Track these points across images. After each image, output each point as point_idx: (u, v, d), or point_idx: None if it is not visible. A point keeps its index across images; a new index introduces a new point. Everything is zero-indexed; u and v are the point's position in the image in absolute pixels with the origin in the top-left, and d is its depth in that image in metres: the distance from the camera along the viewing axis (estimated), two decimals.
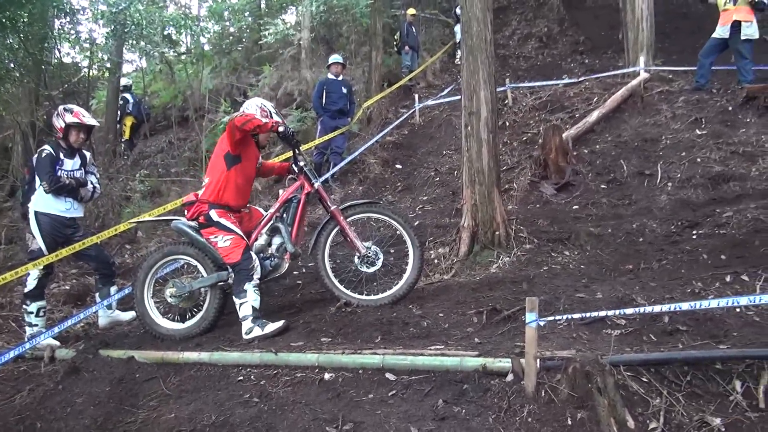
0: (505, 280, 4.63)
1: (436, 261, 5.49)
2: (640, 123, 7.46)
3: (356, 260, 4.51)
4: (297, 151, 4.64)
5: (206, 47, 15.79)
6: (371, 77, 11.48)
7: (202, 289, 4.46)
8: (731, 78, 8.19)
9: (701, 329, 3.31)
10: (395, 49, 13.78)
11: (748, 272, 4.04)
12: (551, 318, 3.09)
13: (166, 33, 12.09)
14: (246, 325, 4.11)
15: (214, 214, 4.31)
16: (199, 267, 4.47)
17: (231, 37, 16.06)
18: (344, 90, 9.14)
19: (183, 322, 4.48)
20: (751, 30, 7.77)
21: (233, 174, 4.37)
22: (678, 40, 12.83)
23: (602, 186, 6.38)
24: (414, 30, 13.62)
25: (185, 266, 4.65)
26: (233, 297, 4.25)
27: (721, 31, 7.97)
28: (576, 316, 3.13)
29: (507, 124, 8.65)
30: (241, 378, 3.51)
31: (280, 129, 4.30)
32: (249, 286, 4.19)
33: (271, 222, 4.51)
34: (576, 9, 15.97)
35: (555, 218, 5.95)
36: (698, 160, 6.19)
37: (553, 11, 15.69)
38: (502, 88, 9.28)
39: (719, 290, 3.82)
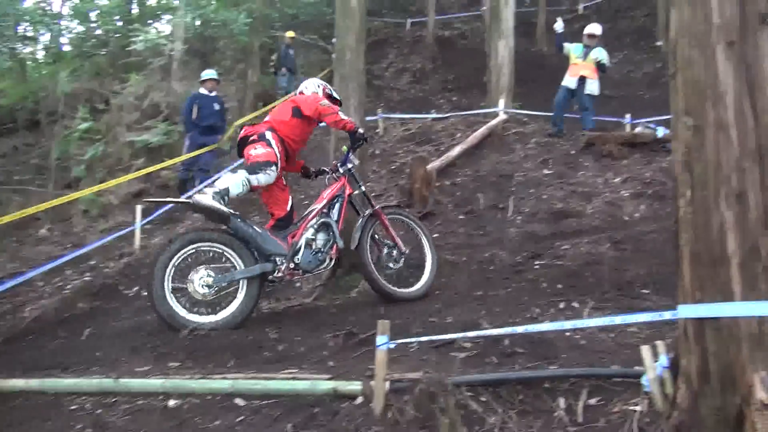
0: (365, 303, 4.74)
1: (298, 284, 5.47)
2: (497, 160, 8.06)
3: (385, 256, 4.83)
4: (352, 155, 4.89)
5: (66, 48, 14.64)
6: (245, 95, 11.33)
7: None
8: (576, 125, 9.15)
9: (536, 351, 3.60)
10: (272, 69, 13.73)
11: (578, 300, 4.48)
12: (401, 341, 3.19)
13: (20, 28, 11.06)
14: (208, 190, 4.25)
15: (269, 134, 4.50)
16: (232, 255, 4.27)
17: (96, 40, 15.04)
18: (216, 106, 8.92)
19: (213, 315, 4.22)
20: (593, 87, 8.80)
21: (295, 122, 4.65)
22: (535, 87, 14.08)
23: (460, 216, 6.78)
24: (292, 53, 13.68)
25: (206, 254, 4.33)
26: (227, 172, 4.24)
27: (570, 82, 8.90)
28: (424, 339, 3.27)
29: (377, 152, 8.92)
30: (75, 407, 3.23)
31: (360, 131, 4.67)
32: (242, 174, 4.32)
33: (318, 217, 4.61)
34: (448, 49, 17.01)
35: (417, 245, 6.18)
36: (544, 196, 6.79)
37: (427, 49, 16.59)
38: (374, 117, 9.59)
39: (553, 316, 4.19)
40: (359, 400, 3.01)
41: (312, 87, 5.05)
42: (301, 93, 5.08)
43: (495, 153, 8.30)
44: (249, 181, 4.31)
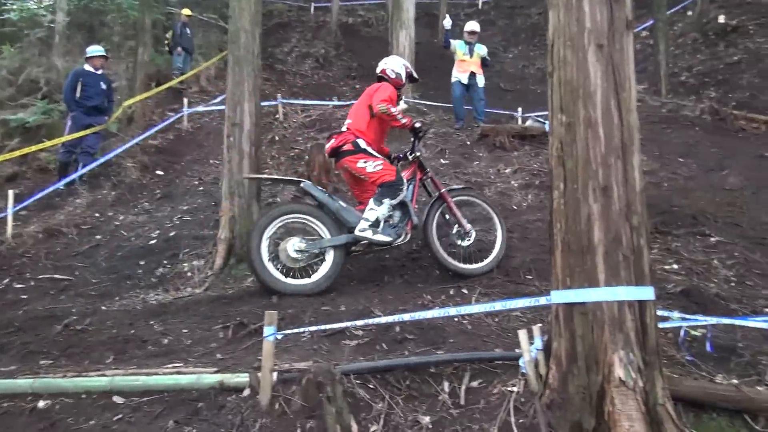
0: (259, 293, 4.64)
1: (189, 274, 5.27)
2: (396, 148, 8.05)
3: (454, 235, 5.11)
4: (417, 143, 5.27)
5: None
6: (136, 75, 10.67)
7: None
8: (471, 118, 9.46)
9: (425, 337, 3.70)
10: (167, 48, 13.02)
11: (468, 286, 4.66)
12: (288, 332, 3.16)
13: None
14: (362, 225, 4.70)
15: (361, 142, 4.83)
16: (320, 227, 4.73)
17: None
18: (103, 85, 8.33)
19: (307, 278, 4.65)
20: (481, 81, 9.20)
21: (375, 122, 4.96)
22: (436, 78, 14.36)
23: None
24: (189, 31, 13.04)
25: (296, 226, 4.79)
26: (371, 201, 4.78)
27: (462, 77, 9.22)
28: (312, 329, 3.25)
29: (276, 138, 8.75)
30: None
31: (416, 125, 5.10)
32: (387, 202, 4.77)
33: None
34: (352, 36, 16.95)
35: None
36: None
37: (331, 35, 16.43)
38: (274, 102, 9.38)
39: (443, 302, 4.33)
40: (246, 392, 2.95)
41: (397, 68, 5.33)
42: (383, 71, 5.33)
43: (395, 141, 8.36)
44: (395, 200, 4.85)
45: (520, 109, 10.01)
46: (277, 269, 4.60)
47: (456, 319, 3.98)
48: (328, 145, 5.07)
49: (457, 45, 9.48)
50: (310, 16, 18.00)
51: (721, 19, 12.28)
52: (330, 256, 4.71)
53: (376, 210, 4.74)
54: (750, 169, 7.09)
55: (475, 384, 3.06)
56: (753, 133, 8.31)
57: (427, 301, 4.33)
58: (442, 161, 7.68)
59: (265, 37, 16.40)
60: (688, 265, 4.85)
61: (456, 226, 5.16)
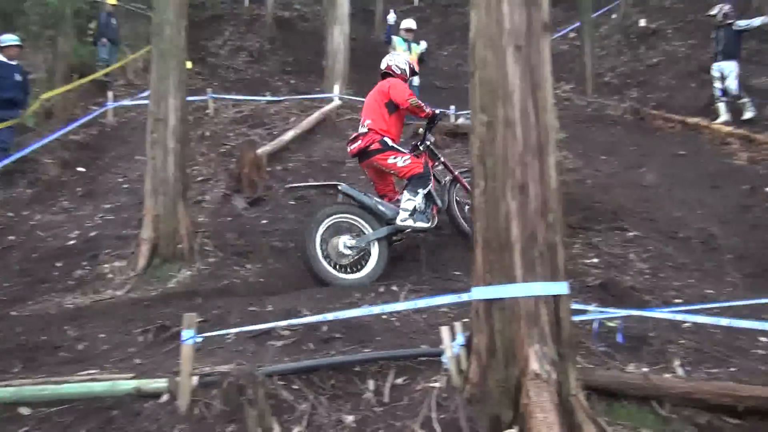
0: (182, 295, 4.51)
1: (110, 276, 5.06)
2: (329, 145, 8.11)
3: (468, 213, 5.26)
4: (429, 132, 5.47)
5: None
6: (56, 66, 10.11)
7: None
8: None
9: (353, 336, 3.69)
10: (91, 39, 12.40)
11: (398, 283, 4.69)
12: (209, 334, 3.08)
13: None
14: (402, 215, 4.99)
15: (388, 140, 5.07)
16: (362, 224, 5.03)
17: None
18: (18, 77, 7.84)
19: (357, 273, 4.94)
20: (416, 80, 9.31)
21: (394, 118, 5.20)
22: (372, 75, 14.36)
23: (291, 202, 6.72)
24: (114, 21, 12.47)
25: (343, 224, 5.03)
26: (405, 192, 5.05)
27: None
28: (234, 331, 3.19)
29: (207, 134, 8.51)
30: None
31: (437, 112, 5.35)
32: (421, 192, 5.05)
33: None
34: (287, 30, 16.67)
35: (244, 232, 6.04)
36: (372, 182, 6.97)
37: (266, 29, 16.10)
38: (203, 98, 9.13)
39: (372, 300, 4.33)
40: (165, 398, 2.86)
41: (401, 64, 5.52)
42: (388, 68, 5.48)
43: (328, 138, 8.34)
44: (426, 189, 5.11)
45: (453, 107, 10.16)
46: (331, 265, 4.88)
47: (384, 317, 3.99)
48: (354, 147, 5.26)
49: (397, 41, 9.49)
50: (244, 8, 17.57)
51: (642, 22, 12.87)
52: (376, 249, 5.01)
53: (413, 200, 5.03)
54: (665, 167, 7.48)
55: (399, 381, 3.08)
56: (669, 132, 8.77)
57: (356, 299, 4.32)
58: None
59: (197, 30, 15.92)
60: (607, 259, 5.07)
61: (467, 205, 5.38)
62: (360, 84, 13.49)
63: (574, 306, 3.79)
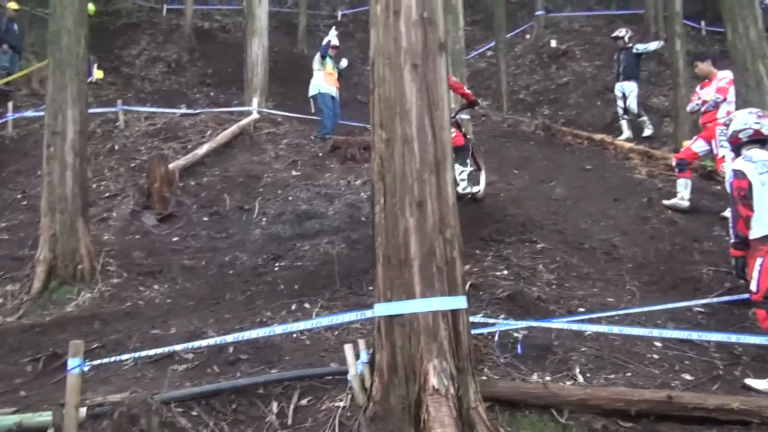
0: (80, 319, 4.26)
1: (0, 300, 4.69)
2: (247, 160, 7.95)
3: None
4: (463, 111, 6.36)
5: None
6: None
7: None
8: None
9: (260, 356, 3.60)
10: None
11: (310, 300, 4.62)
12: (98, 362, 2.91)
13: None
14: (462, 184, 5.61)
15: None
16: None
17: None
18: None
19: None
20: (336, 91, 9.31)
21: None
22: (294, 87, 14.27)
23: (204, 218, 6.53)
24: (17, 27, 11.78)
25: None
26: (458, 165, 5.42)
27: (332, 91, 9.16)
28: (126, 357, 3.03)
29: (116, 147, 8.15)
30: None
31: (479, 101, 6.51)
32: (467, 161, 5.79)
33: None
34: (207, 41, 16.29)
35: (152, 250, 5.80)
36: (290, 198, 6.90)
37: (184, 39, 15.67)
38: (113, 109, 8.74)
39: (284, 318, 4.25)
40: None
41: None
42: None
43: (246, 153, 8.19)
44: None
45: None
46: None
47: (294, 335, 3.92)
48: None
49: (328, 58, 9.40)
50: (162, 18, 17.04)
51: (553, 43, 13.52)
52: None
53: (465, 169, 5.72)
54: (574, 180, 7.83)
55: (304, 402, 3.02)
56: (578, 147, 9.20)
57: (266, 318, 4.23)
58: (293, 173, 7.61)
59: (111, 39, 15.34)
60: (516, 271, 5.21)
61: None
62: (283, 96, 13.38)
63: (476, 319, 3.89)
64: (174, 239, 6.08)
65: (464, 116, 6.71)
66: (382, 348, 2.75)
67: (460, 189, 5.53)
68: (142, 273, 5.19)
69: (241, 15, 17.54)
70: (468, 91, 6.22)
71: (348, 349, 2.92)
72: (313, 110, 9.41)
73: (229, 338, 2.93)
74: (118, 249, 5.69)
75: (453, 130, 5.63)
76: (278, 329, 3.01)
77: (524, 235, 5.91)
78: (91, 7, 12.14)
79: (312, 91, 9.24)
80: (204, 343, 3.20)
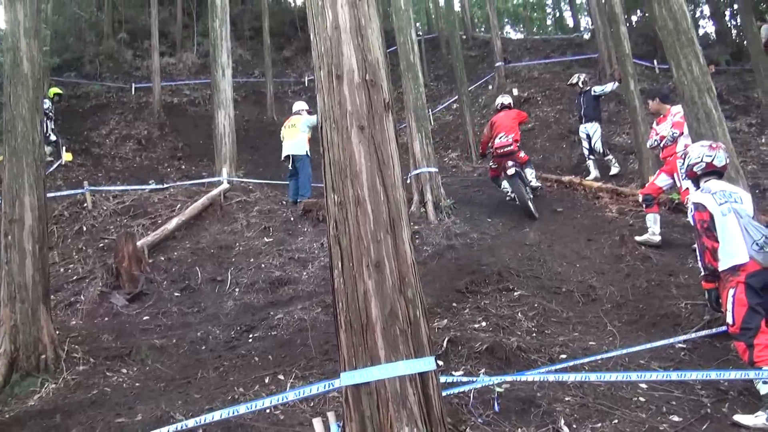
0: (42, 413, 4.03)
1: None
2: (218, 230, 7.87)
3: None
4: None
5: None
6: None
7: None
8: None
9: None
10: None
11: (285, 371, 4.47)
12: None
13: None
14: (534, 182, 8.73)
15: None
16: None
17: None
18: None
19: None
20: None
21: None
22: (265, 154, 14.40)
23: (176, 294, 6.38)
24: None
25: None
26: (528, 169, 8.62)
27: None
28: None
29: (84, 229, 8.01)
30: None
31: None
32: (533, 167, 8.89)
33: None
34: (177, 116, 16.49)
35: (122, 332, 5.61)
36: (263, 265, 6.80)
37: (154, 115, 15.85)
38: (80, 191, 8.66)
39: (257, 393, 4.08)
40: None
41: (506, 100, 9.41)
42: (509, 104, 9.37)
43: (217, 224, 8.11)
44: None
45: None
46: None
47: (267, 411, 3.76)
48: (508, 149, 8.38)
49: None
50: (130, 96, 17.25)
51: (515, 91, 13.88)
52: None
53: (533, 171, 8.75)
54: (546, 224, 7.87)
55: None
56: (547, 191, 9.30)
57: (239, 395, 4.06)
58: (265, 240, 7.53)
59: (80, 120, 15.45)
60: (494, 321, 5.12)
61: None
62: (254, 163, 13.48)
63: (455, 377, 3.78)
64: (144, 318, 5.90)
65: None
66: (351, 419, 2.62)
67: (533, 183, 8.57)
68: (110, 357, 5.00)
69: (209, 88, 17.88)
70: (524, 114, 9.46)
71: (317, 423, 2.79)
72: (296, 168, 9.26)
73: (191, 423, 2.77)
74: (86, 333, 5.50)
75: (515, 148, 8.40)
76: (242, 408, 2.86)
77: (501, 284, 5.86)
78: (68, 156, 12.25)
79: (300, 150, 9.26)
80: (171, 429, 3.02)
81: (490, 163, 8.92)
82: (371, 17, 3.01)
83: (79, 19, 19.76)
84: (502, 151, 8.33)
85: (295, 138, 9.30)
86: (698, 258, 4.01)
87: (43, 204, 5.03)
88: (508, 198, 8.53)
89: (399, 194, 2.81)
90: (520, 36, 25.92)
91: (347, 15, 2.95)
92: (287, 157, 9.28)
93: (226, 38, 10.49)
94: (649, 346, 4.26)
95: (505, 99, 9.33)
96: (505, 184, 8.45)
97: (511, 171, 8.13)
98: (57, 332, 5.10)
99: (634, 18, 19.27)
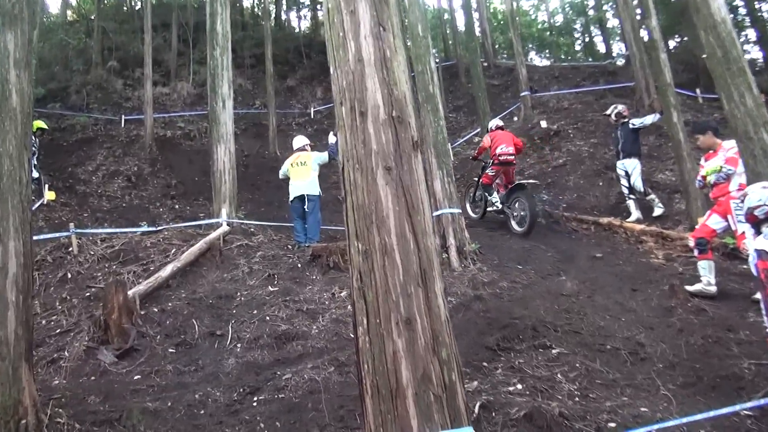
0: None
1: None
2: (217, 278, 7.89)
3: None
4: None
5: None
6: None
7: None
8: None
9: None
10: None
11: None
12: None
13: None
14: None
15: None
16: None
17: None
18: None
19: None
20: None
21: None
22: (266, 193, 14.58)
23: (171, 350, 6.34)
24: None
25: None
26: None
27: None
28: None
29: (69, 276, 8.05)
30: None
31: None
32: None
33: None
34: (170, 151, 16.79)
35: (111, 393, 5.56)
36: (268, 318, 6.77)
37: (145, 150, 16.14)
38: (65, 234, 8.75)
39: None
40: None
41: (499, 122, 11.32)
42: (501, 127, 11.05)
43: (215, 270, 8.13)
44: None
45: None
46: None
47: None
48: (512, 157, 10.11)
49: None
50: (120, 129, 17.62)
51: (543, 123, 14.05)
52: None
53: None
54: (584, 272, 7.82)
55: None
56: (584, 233, 9.30)
57: None
58: (270, 289, 7.53)
59: (65, 156, 15.75)
60: (531, 384, 5.04)
61: None
62: (255, 203, 13.61)
63: None
64: (135, 377, 5.86)
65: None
66: None
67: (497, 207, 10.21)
68: (97, 422, 4.94)
69: (205, 120, 18.26)
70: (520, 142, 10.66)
71: None
72: (306, 210, 9.40)
73: None
74: (70, 395, 5.45)
75: (515, 162, 10.15)
76: None
77: (536, 340, 5.79)
78: (51, 195, 12.58)
79: (314, 190, 9.52)
80: None
81: (488, 170, 10.32)
82: (397, 49, 3.09)
83: (66, 47, 20.38)
84: (505, 158, 9.85)
85: (308, 177, 9.46)
86: (762, 311, 3.97)
87: (29, 250, 5.06)
88: (493, 209, 10.21)
89: (430, 242, 2.82)
90: (546, 63, 26.36)
91: (371, 47, 3.03)
92: (300, 197, 9.39)
93: (227, 67, 10.73)
94: (711, 414, 4.16)
95: (498, 122, 11.20)
96: (495, 196, 10.07)
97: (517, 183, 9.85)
98: (39, 393, 5.08)
99: (671, 43, 19.57)
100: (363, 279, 2.77)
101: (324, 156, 9.66)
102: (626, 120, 10.00)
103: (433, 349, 2.64)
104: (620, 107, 10.31)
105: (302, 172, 9.54)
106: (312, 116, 19.86)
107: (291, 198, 9.57)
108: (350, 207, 2.91)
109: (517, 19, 17.89)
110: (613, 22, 26.59)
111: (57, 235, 8.88)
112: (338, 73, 3.10)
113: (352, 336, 6.33)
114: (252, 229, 9.87)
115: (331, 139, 10.23)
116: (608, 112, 10.24)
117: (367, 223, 2.80)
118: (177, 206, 13.52)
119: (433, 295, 2.73)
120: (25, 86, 5.31)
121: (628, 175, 9.73)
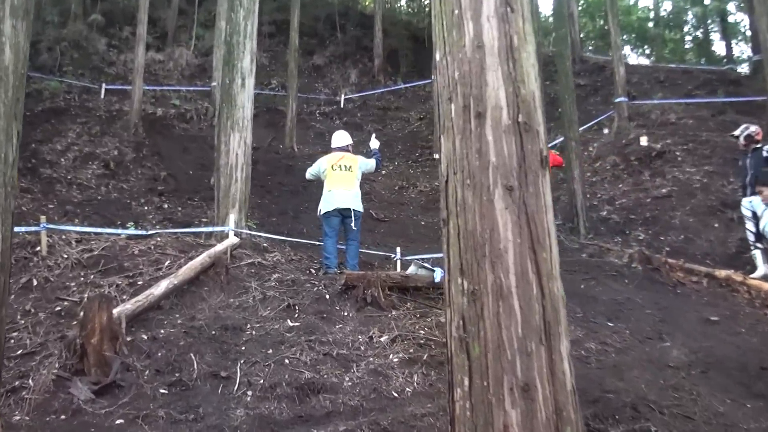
0: None
1: None
2: (222, 303, 7.96)
3: None
4: None
5: None
6: None
7: None
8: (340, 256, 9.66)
9: None
10: None
11: None
12: None
13: None
14: None
15: None
16: None
17: None
18: None
19: None
20: None
21: None
22: (280, 198, 14.69)
23: (162, 390, 6.39)
24: None
25: None
26: None
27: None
28: None
29: (35, 283, 8.19)
30: None
31: None
32: None
33: None
34: (161, 134, 17.01)
35: None
36: (286, 361, 6.81)
37: (129, 130, 16.36)
38: (33, 229, 8.92)
39: None
40: None
41: None
42: None
43: (220, 293, 8.20)
44: None
45: (398, 249, 10.37)
46: None
47: None
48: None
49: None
50: (99, 101, 17.91)
51: (644, 141, 14.02)
52: None
53: None
54: (695, 339, 7.76)
55: None
56: (694, 289, 9.23)
57: None
58: (289, 323, 7.57)
59: (28, 128, 15.99)
60: None
61: None
62: (265, 210, 13.71)
63: None
64: (117, 422, 5.91)
65: None
66: None
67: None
68: None
69: (206, 98, 18.56)
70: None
71: None
72: (351, 227, 9.55)
73: None
74: None
75: None
76: None
77: (637, 423, 5.75)
78: None
79: (360, 205, 9.70)
80: None
81: None
82: (526, 36, 3.13)
83: None
84: None
85: (354, 187, 9.55)
86: None
87: (8, 247, 5.17)
88: None
89: (557, 287, 2.85)
90: (645, 61, 26.34)
91: (495, 30, 3.07)
92: (343, 210, 9.43)
93: (251, 35, 10.89)
94: None
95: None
96: None
97: None
98: None
99: None
100: (467, 327, 2.79)
101: (371, 164, 9.75)
102: (759, 146, 9.93)
103: (556, 426, 2.64)
104: (753, 128, 10.22)
105: (347, 179, 9.55)
106: (342, 105, 20.03)
107: (328, 209, 9.52)
108: (454, 233, 2.93)
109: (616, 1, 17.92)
110: (737, 17, 26.55)
111: (22, 229, 9.03)
112: (448, 60, 3.14)
113: (403, 387, 6.37)
114: (265, 245, 9.95)
115: (373, 143, 10.27)
116: (737, 133, 10.17)
117: (477, 256, 2.82)
118: (166, 205, 13.69)
119: (558, 356, 2.74)
120: (22, 41, 5.45)
121: (756, 217, 9.64)
